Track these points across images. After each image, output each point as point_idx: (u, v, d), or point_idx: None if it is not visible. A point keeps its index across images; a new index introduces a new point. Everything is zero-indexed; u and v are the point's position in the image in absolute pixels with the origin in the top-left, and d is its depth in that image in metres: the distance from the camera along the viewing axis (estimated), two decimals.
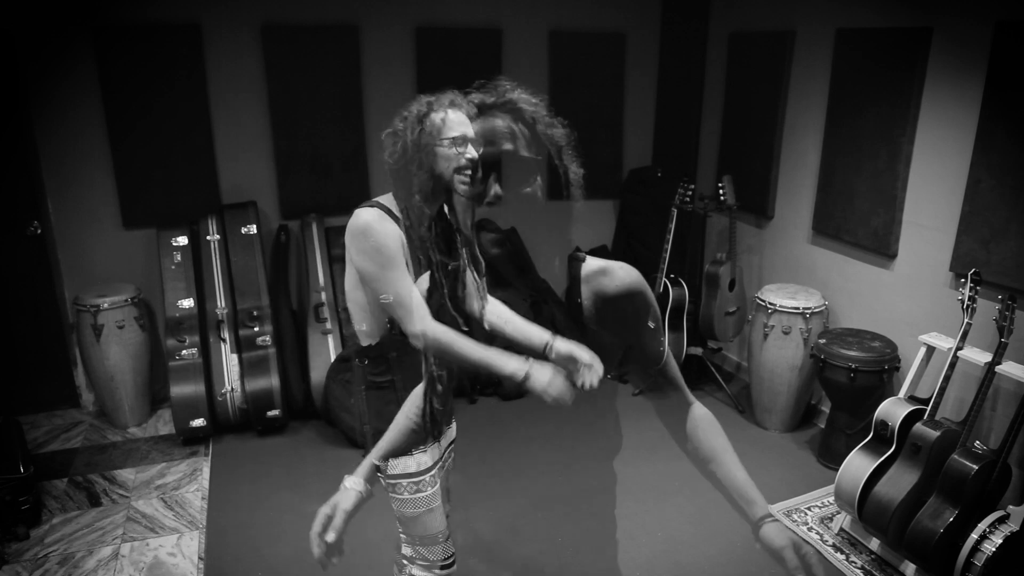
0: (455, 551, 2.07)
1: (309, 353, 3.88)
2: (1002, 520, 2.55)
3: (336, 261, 4.15)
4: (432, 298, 1.83)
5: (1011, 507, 2.58)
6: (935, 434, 2.69)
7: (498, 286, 4.43)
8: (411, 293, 1.79)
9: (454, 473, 2.22)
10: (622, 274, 1.74)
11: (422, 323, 1.77)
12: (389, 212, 1.86)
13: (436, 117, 1.86)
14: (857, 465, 2.89)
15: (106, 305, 3.70)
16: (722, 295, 4.07)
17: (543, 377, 1.70)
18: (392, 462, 1.90)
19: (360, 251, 1.79)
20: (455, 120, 1.88)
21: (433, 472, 1.96)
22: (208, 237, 3.98)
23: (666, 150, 4.89)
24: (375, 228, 1.79)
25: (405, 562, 2.03)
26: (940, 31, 3.09)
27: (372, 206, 1.85)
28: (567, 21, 4.52)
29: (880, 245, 3.45)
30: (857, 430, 3.35)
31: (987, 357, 2.75)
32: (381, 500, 3.11)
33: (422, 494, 1.94)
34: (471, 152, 1.87)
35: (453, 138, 1.84)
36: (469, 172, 1.83)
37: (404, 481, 1.93)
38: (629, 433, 3.82)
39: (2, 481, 2.94)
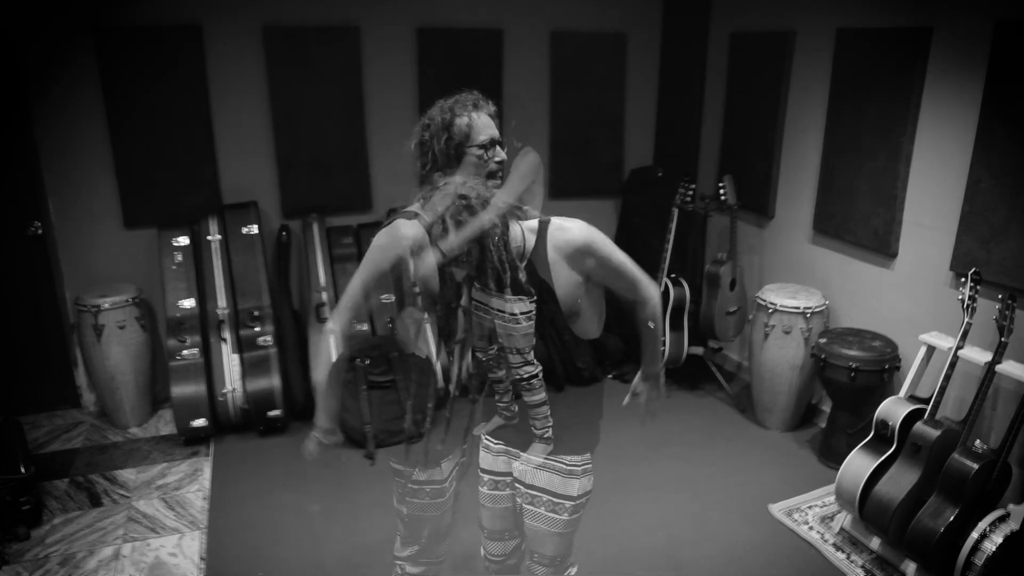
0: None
1: (310, 353, 3.88)
2: (1002, 519, 2.55)
3: (337, 261, 4.15)
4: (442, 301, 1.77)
5: (1011, 506, 2.58)
6: (935, 433, 2.70)
7: None
8: (352, 290, 1.84)
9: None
10: (576, 228, 1.72)
11: (334, 316, 1.87)
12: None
13: (462, 122, 1.78)
14: (858, 464, 2.89)
15: (107, 305, 3.70)
16: (723, 295, 4.08)
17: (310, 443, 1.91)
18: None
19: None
20: (482, 124, 1.81)
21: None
22: (209, 237, 3.98)
23: (667, 150, 4.90)
24: (384, 240, 1.79)
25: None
26: (940, 31, 3.09)
27: (412, 217, 1.74)
28: (568, 21, 4.53)
29: (880, 244, 3.45)
30: (858, 429, 3.35)
31: (987, 356, 2.75)
32: (377, 500, 3.08)
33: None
34: (500, 155, 1.83)
35: (482, 143, 1.79)
36: (501, 175, 1.78)
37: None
38: (629, 432, 3.82)
39: (3, 481, 2.94)
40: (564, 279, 1.72)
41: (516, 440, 1.89)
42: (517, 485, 1.92)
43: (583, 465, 1.87)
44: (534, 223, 1.72)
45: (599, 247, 1.73)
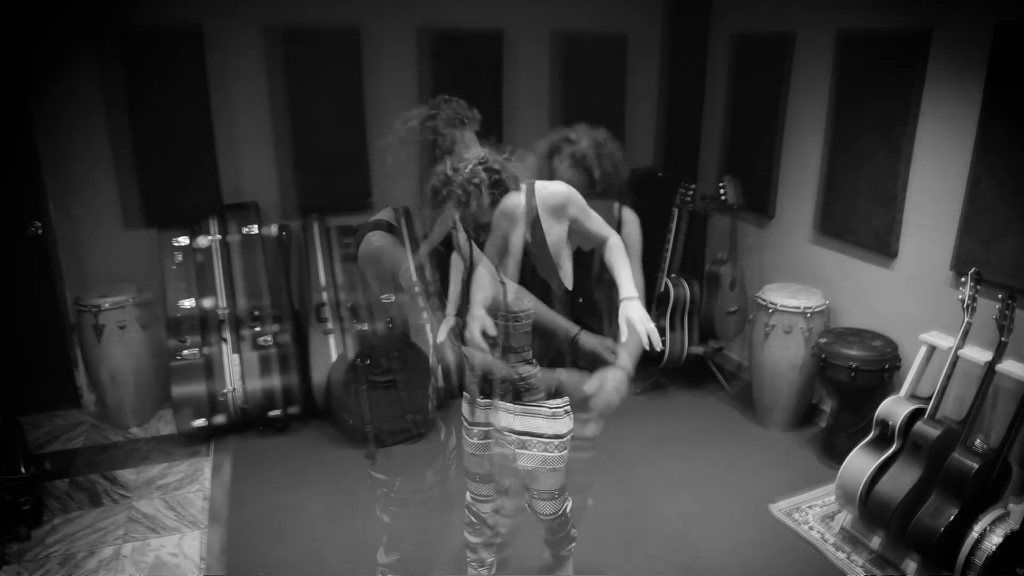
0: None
1: (310, 353, 3.88)
2: (1002, 518, 2.56)
3: (338, 261, 4.15)
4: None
5: (1012, 505, 2.59)
6: (936, 433, 2.70)
7: None
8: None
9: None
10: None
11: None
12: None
13: (456, 149, 2.10)
14: (858, 464, 2.89)
15: (107, 305, 3.70)
16: (723, 295, 4.08)
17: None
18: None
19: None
20: (468, 139, 2.15)
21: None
22: (209, 237, 3.98)
23: (668, 150, 4.90)
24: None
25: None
26: (940, 31, 3.10)
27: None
28: (569, 22, 4.53)
29: (881, 244, 3.46)
30: (858, 429, 3.36)
31: (987, 356, 2.75)
32: (377, 500, 3.08)
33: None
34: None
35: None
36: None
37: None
38: (631, 433, 3.83)
39: (3, 481, 2.94)
40: (553, 232, 2.04)
41: (510, 392, 2.14)
42: (505, 433, 2.15)
43: (564, 407, 2.13)
44: (523, 186, 2.05)
45: (578, 199, 2.05)
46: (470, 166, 1.89)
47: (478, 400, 2.20)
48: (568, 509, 2.35)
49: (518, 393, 2.09)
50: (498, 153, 1.96)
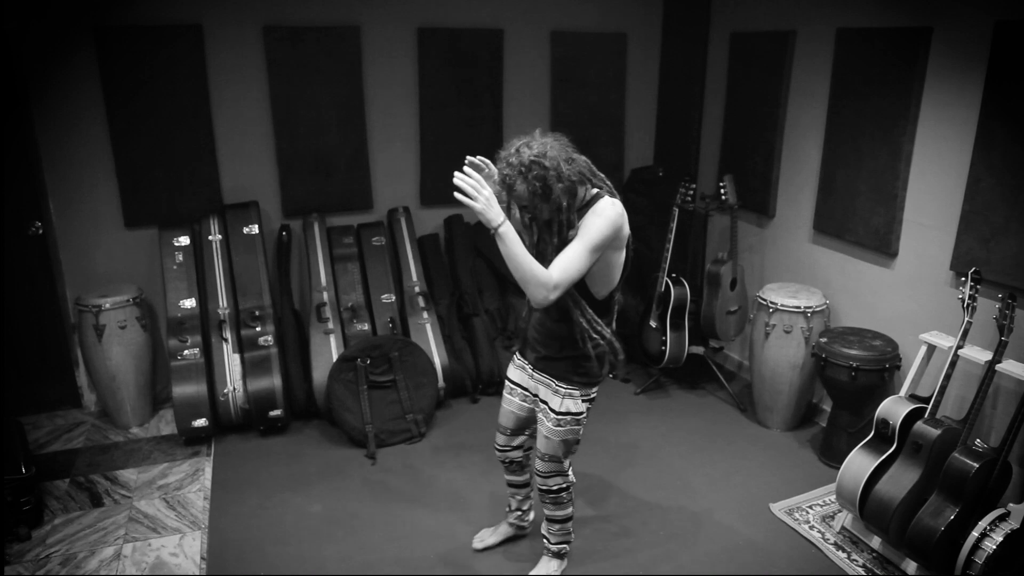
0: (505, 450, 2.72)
1: (311, 353, 3.88)
2: (1002, 518, 2.56)
3: (338, 260, 4.15)
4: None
5: (1011, 505, 2.59)
6: (936, 432, 2.70)
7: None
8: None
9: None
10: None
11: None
12: None
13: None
14: (858, 464, 2.89)
15: (108, 305, 3.70)
16: (723, 294, 4.08)
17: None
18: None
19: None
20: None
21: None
22: (210, 237, 3.98)
23: (668, 149, 4.90)
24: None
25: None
26: (940, 31, 3.10)
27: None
28: (568, 21, 4.53)
29: (881, 244, 3.46)
30: (858, 429, 3.36)
31: (987, 355, 2.75)
32: (379, 499, 3.10)
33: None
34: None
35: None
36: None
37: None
38: (631, 432, 3.83)
39: (4, 482, 2.94)
40: None
41: (532, 357, 2.48)
42: (524, 390, 2.54)
43: (568, 390, 2.38)
44: (594, 191, 2.23)
45: (591, 218, 2.14)
46: (526, 155, 2.04)
47: (516, 360, 2.56)
48: (561, 487, 2.56)
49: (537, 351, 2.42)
50: (575, 163, 2.11)
